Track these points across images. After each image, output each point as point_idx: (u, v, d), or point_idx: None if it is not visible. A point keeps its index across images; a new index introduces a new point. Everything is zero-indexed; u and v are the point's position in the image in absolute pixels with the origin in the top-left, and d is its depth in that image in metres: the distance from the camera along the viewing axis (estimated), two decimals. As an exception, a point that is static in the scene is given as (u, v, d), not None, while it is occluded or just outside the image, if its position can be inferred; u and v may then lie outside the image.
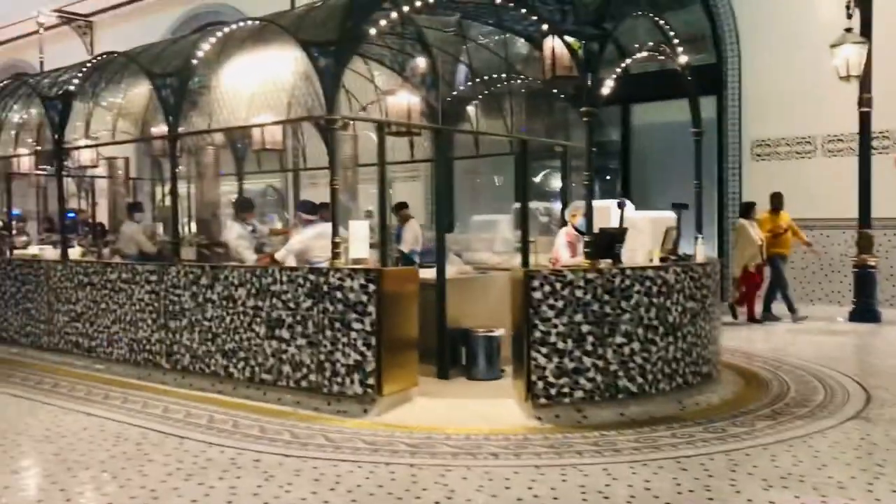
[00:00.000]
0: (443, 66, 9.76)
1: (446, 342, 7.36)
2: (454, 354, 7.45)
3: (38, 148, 11.04)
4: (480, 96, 9.90)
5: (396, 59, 9.91)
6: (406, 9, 6.54)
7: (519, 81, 9.42)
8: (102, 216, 13.51)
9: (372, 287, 6.12)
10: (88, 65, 8.74)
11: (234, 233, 8.47)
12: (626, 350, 6.10)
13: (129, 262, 8.53)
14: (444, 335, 7.34)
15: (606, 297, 6.04)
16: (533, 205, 9.06)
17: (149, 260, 9.14)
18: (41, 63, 17.53)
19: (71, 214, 13.77)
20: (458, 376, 7.39)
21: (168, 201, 13.63)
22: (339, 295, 6.27)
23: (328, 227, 6.57)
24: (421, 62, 8.61)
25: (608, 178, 14.84)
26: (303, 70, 7.51)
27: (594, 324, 6.00)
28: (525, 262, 8.35)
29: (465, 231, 11.49)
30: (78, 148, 9.68)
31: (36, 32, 18.08)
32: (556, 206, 10.43)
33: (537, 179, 14.69)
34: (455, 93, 9.53)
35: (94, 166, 11.09)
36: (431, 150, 11.33)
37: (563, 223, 9.08)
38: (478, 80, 9.61)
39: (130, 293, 7.82)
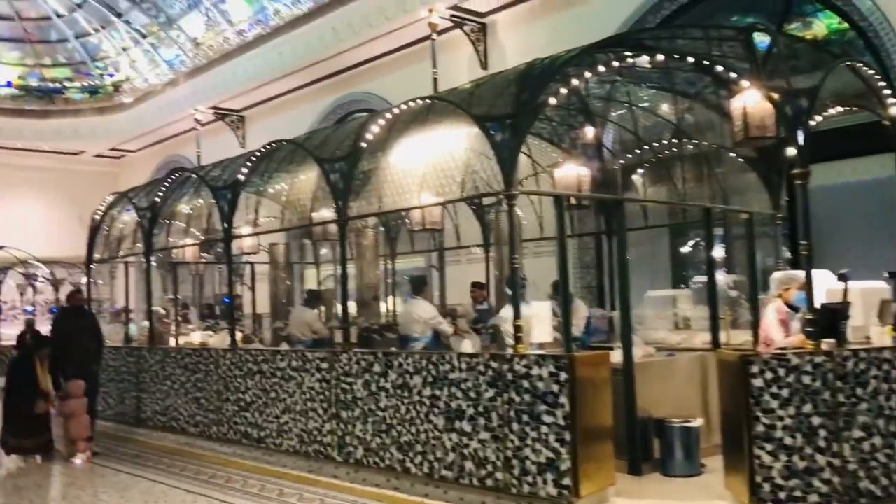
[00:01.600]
0: (607, 135, 9.37)
1: (637, 433, 6.66)
2: (645, 447, 6.73)
3: (202, 237, 11.34)
4: (647, 164, 9.36)
5: (556, 131, 9.58)
6: (588, 75, 6.17)
7: (690, 146, 8.84)
8: (260, 301, 13.71)
9: (563, 375, 5.59)
10: (257, 154, 8.86)
11: (425, 310, 8.16)
12: (866, 446, 5.23)
13: (298, 349, 8.38)
14: (634, 426, 6.65)
15: (839, 384, 5.23)
16: (717, 277, 8.32)
17: (318, 346, 8.97)
18: (198, 157, 18.40)
19: (226, 300, 14.09)
20: (651, 471, 6.65)
21: (326, 284, 13.74)
22: (525, 384, 5.76)
23: (508, 308, 6.13)
24: (589, 132, 8.21)
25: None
26: (470, 146, 7.28)
27: (826, 415, 5.20)
28: (715, 342, 7.59)
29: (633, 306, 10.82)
30: (247, 235, 9.80)
31: (193, 129, 19.09)
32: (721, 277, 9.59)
33: (686, 249, 13.83)
34: (622, 161, 9.04)
35: (255, 252, 11.25)
36: (595, 221, 10.86)
37: (747, 297, 8.30)
38: (645, 146, 9.09)
39: (300, 381, 7.60)
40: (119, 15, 20.14)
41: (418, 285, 8.69)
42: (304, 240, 14.99)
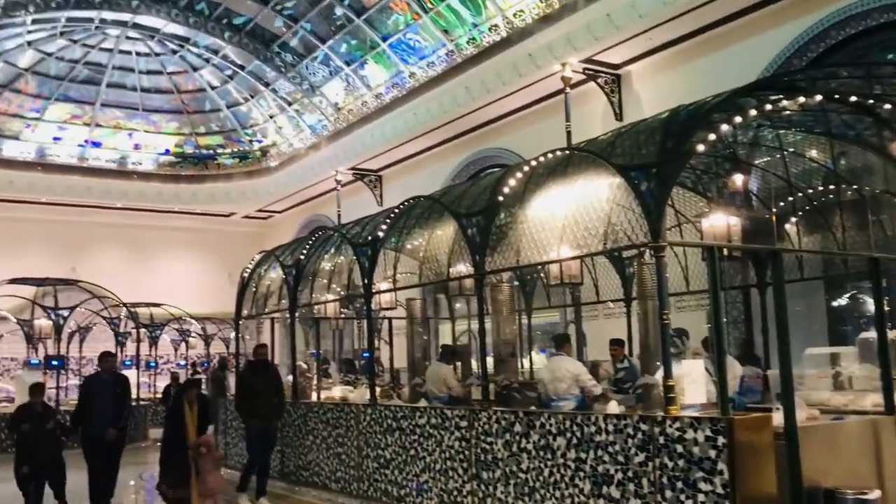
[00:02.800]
0: (753, 181, 8.92)
1: (803, 505, 6.07)
2: (813, 520, 6.12)
3: (343, 293, 11.60)
4: (801, 211, 8.80)
5: (700, 179, 9.21)
6: (738, 120, 5.87)
7: (849, 191, 8.23)
8: (398, 356, 13.82)
9: (721, 439, 5.20)
10: (396, 210, 9.01)
11: (574, 366, 7.80)
12: None
13: (437, 406, 8.30)
14: (800, 496, 6.07)
15: None
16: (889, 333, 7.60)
17: (453, 403, 8.87)
18: (338, 215, 19.07)
19: (365, 354, 14.30)
20: (821, 549, 6.03)
21: (461, 340, 13.70)
22: (679, 448, 5.40)
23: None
24: (737, 179, 7.82)
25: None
26: (612, 198, 7.07)
27: None
28: (889, 405, 6.89)
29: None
30: (387, 291, 9.93)
31: (334, 189, 19.88)
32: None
33: (842, 302, 12.82)
34: (773, 209, 8.54)
35: (393, 308, 11.37)
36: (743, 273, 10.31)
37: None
38: (798, 193, 8.56)
39: (440, 439, 7.50)
40: (267, 84, 21.42)
41: (562, 341, 8.35)
42: (438, 294, 15.07)
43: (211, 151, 24.30)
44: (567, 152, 7.23)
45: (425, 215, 9.35)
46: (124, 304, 18.25)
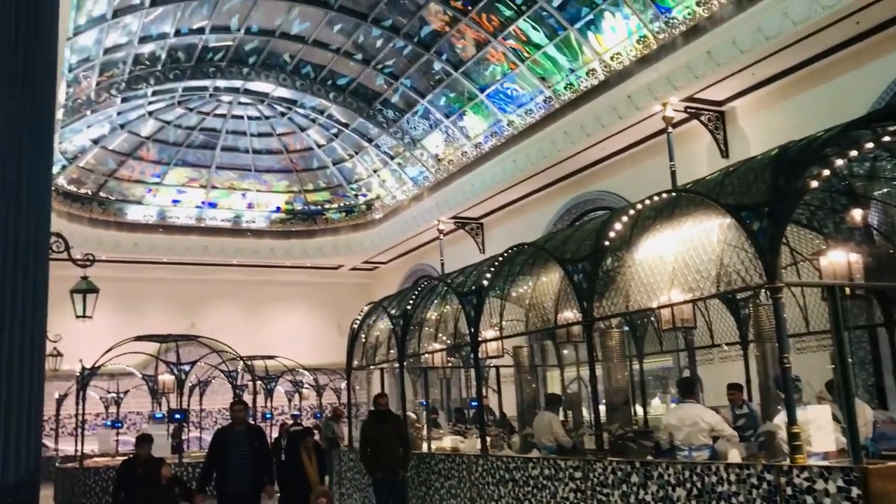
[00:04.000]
0: (874, 215, 8.50)
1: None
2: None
3: (449, 342, 11.66)
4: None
5: (815, 215, 8.84)
6: (853, 153, 5.64)
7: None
8: (506, 404, 13.73)
9: (855, 490, 4.89)
10: (500, 258, 9.06)
11: (713, 416, 7.41)
12: None
13: (550, 456, 8.18)
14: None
15: None
16: None
17: (562, 452, 8.71)
18: (441, 264, 19.28)
19: (473, 403, 14.27)
20: None
21: (571, 388, 13.50)
22: (808, 500, 5.11)
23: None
24: (856, 214, 7.48)
25: None
26: (724, 239, 6.88)
27: None
28: None
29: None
30: (494, 339, 9.93)
31: (437, 239, 20.15)
32: None
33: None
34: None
35: (500, 356, 11.34)
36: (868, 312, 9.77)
37: None
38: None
39: (554, 491, 7.36)
40: (370, 140, 22.10)
41: (687, 388, 7.87)
42: (545, 342, 14.94)
43: (319, 207, 25.15)
44: (673, 194, 7.11)
45: (529, 262, 9.35)
46: (241, 358, 18.90)
